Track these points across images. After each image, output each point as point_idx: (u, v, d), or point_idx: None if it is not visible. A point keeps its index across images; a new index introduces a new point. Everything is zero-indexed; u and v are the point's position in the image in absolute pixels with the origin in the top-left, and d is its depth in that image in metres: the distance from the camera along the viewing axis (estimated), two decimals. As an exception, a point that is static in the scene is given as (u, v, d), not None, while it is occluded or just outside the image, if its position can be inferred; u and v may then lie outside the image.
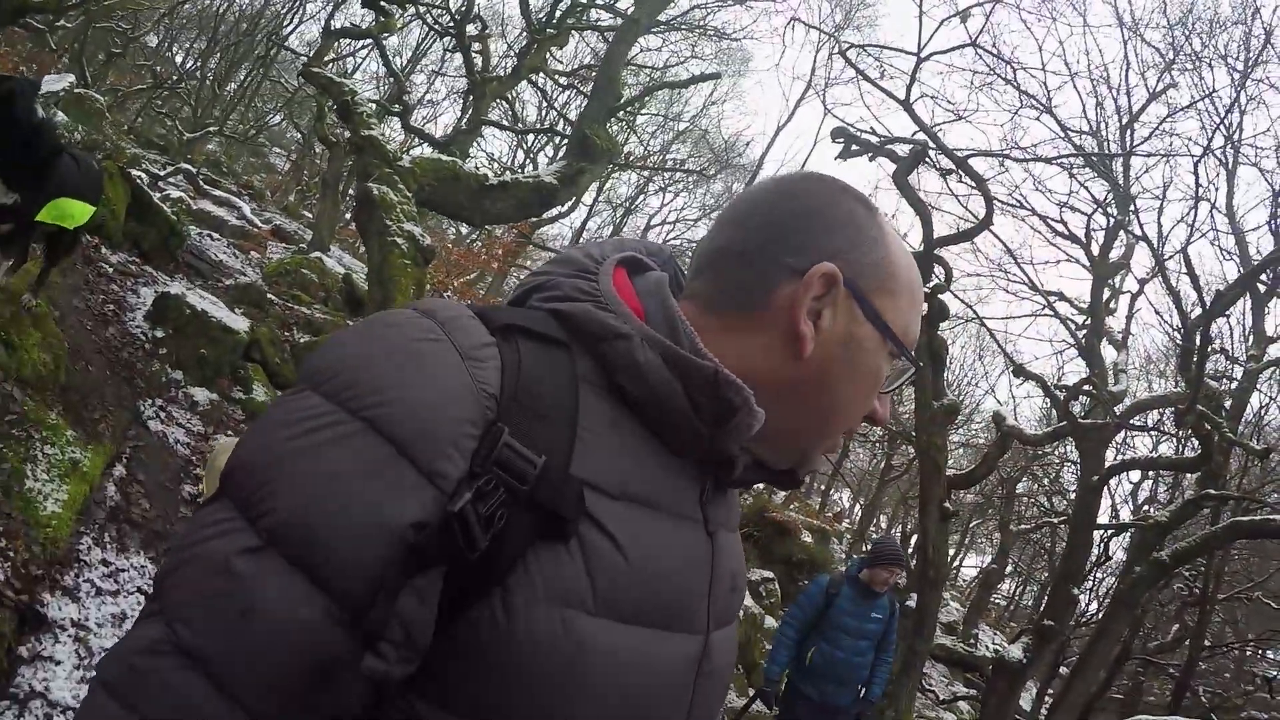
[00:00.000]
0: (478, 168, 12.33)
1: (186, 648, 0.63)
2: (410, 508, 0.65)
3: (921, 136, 10.16)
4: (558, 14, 16.16)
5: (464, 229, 23.02)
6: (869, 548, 5.84)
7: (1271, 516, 11.12)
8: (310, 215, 18.90)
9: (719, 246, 0.86)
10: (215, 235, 11.14)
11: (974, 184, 10.23)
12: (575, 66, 20.09)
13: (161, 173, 13.07)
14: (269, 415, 0.71)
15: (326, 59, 15.02)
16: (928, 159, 10.32)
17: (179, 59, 24.78)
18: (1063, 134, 12.29)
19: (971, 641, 17.71)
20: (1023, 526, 20.06)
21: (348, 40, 17.71)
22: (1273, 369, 13.80)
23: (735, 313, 0.82)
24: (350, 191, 19.67)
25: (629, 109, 16.52)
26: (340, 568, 0.64)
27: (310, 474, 0.65)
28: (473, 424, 0.68)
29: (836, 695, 5.33)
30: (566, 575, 0.70)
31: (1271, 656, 22.54)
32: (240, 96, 23.26)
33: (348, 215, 19.94)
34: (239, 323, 7.18)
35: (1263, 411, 16.83)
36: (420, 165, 9.60)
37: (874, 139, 10.28)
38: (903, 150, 10.07)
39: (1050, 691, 16.69)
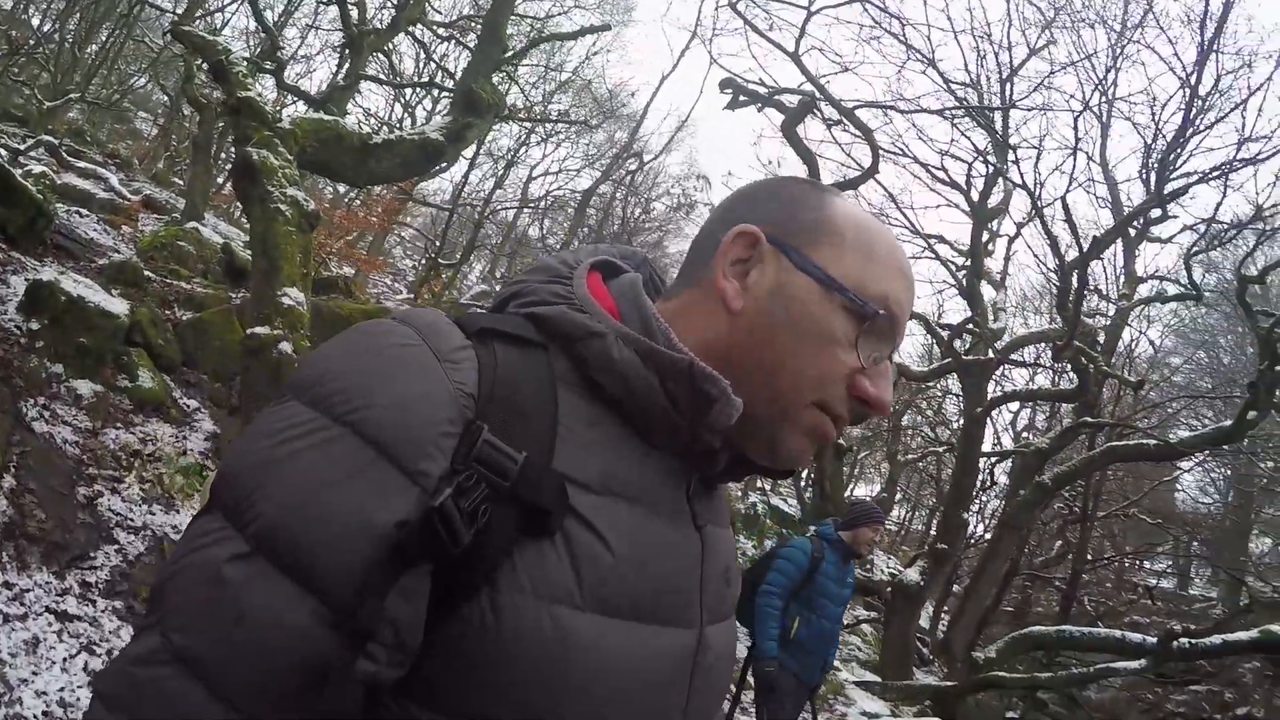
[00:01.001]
0: (360, 126, 11.95)
1: (182, 655, 0.64)
2: (395, 507, 0.66)
3: (809, 88, 10.28)
4: (436, -36, 15.64)
5: (342, 188, 22.29)
6: (850, 507, 5.28)
7: (1144, 441, 11.91)
8: (181, 183, 17.97)
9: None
10: (83, 211, 10.49)
11: (860, 134, 10.44)
12: (454, 17, 19.48)
13: (21, 147, 12.21)
14: (255, 426, 0.72)
15: (195, 15, 14.19)
16: (815, 110, 10.45)
17: (35, 21, 23.00)
18: (945, 87, 12.64)
19: (868, 567, 18.45)
20: (910, 457, 20.84)
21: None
22: (1142, 306, 14.61)
23: (685, 291, 0.86)
24: (222, 156, 18.82)
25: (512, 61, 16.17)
26: (327, 570, 0.64)
27: (295, 479, 0.66)
28: (451, 422, 0.69)
29: (814, 668, 4.91)
30: (553, 571, 0.70)
31: (1149, 567, 24.21)
32: (102, 59, 21.70)
33: (220, 180, 19.11)
34: (117, 305, 6.83)
35: (1133, 345, 17.91)
36: (301, 126, 9.22)
37: (762, 90, 10.36)
38: (791, 101, 10.19)
39: (946, 610, 17.55)
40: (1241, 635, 9.86)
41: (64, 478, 4.88)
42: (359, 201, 20.73)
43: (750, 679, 4.96)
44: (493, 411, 0.71)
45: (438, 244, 21.87)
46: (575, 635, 0.70)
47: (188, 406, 6.96)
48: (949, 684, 10.63)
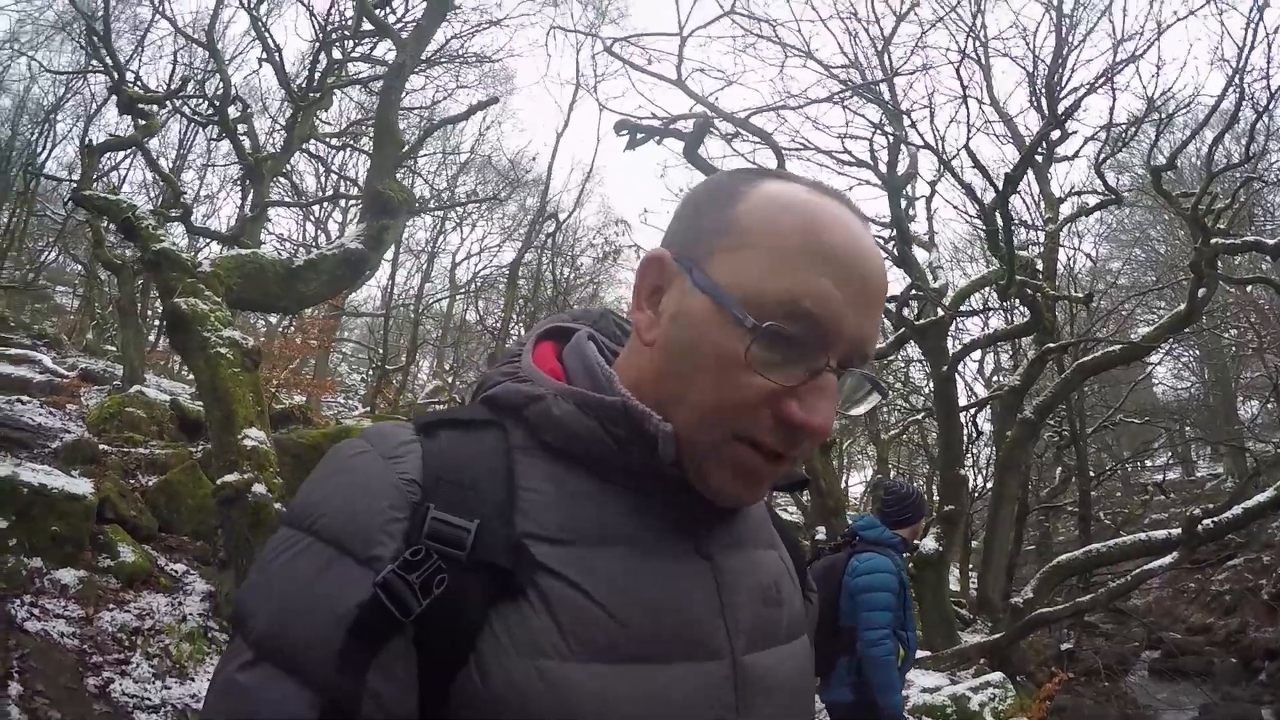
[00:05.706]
0: (280, 253, 11.93)
1: None
2: (354, 594, 0.70)
3: (700, 109, 10.48)
4: (316, 76, 15.75)
5: (274, 318, 22.17)
6: (883, 499, 4.53)
7: (1109, 349, 12.11)
8: (115, 349, 17.79)
9: None
10: (24, 398, 10.33)
11: (759, 139, 10.65)
12: (344, 124, 19.57)
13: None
14: (259, 557, 0.78)
15: (92, 178, 14.13)
16: (712, 128, 10.64)
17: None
18: (828, 73, 12.97)
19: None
20: (892, 432, 21.00)
21: (108, 153, 16.75)
22: (1069, 224, 14.94)
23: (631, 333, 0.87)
24: (149, 313, 18.65)
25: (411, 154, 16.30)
26: (311, 661, 0.69)
27: (277, 587, 0.73)
28: (396, 508, 0.74)
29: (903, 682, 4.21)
30: (533, 626, 0.72)
31: (1152, 464, 24.36)
32: (9, 241, 21.49)
33: (153, 337, 18.92)
34: (81, 486, 6.71)
35: (1071, 262, 18.22)
36: (222, 266, 9.18)
37: (656, 123, 10.54)
38: (686, 126, 10.37)
39: (972, 567, 17.59)
40: (1259, 498, 9.86)
41: (70, 671, 4.79)
42: (293, 328, 20.65)
43: None
44: (441, 491, 0.75)
45: (380, 351, 21.80)
46: (568, 685, 0.72)
47: (175, 572, 6.85)
48: (997, 636, 10.57)
